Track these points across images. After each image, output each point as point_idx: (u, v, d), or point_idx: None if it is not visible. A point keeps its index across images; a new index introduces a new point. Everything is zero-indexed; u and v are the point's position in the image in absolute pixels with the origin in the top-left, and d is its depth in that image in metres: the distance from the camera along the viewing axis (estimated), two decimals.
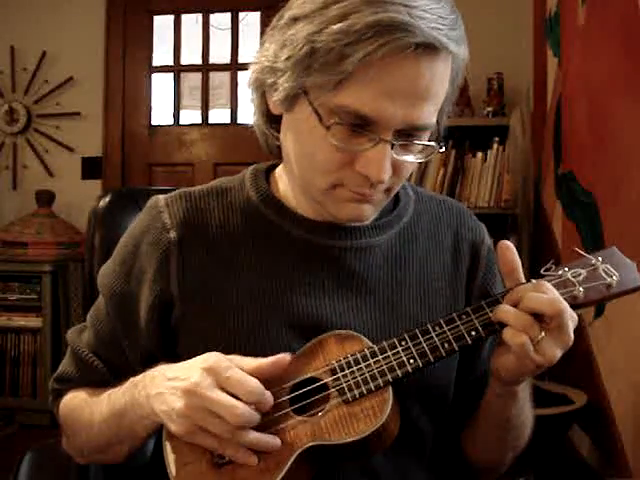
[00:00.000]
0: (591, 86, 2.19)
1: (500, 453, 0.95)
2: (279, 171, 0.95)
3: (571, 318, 0.77)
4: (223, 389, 0.76)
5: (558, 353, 0.77)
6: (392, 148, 0.78)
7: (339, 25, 0.73)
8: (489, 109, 3.01)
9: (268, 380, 0.78)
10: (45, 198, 3.40)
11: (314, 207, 0.89)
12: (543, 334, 0.76)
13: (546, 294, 0.77)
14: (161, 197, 0.93)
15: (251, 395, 0.75)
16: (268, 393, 0.77)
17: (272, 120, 0.87)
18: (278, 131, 0.87)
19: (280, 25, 0.81)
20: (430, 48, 0.74)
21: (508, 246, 0.81)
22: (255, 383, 0.76)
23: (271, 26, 0.83)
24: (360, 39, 0.72)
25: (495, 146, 2.94)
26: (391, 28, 0.72)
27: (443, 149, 0.82)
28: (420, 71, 0.75)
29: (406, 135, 0.78)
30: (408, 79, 0.75)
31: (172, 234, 0.89)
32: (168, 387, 0.79)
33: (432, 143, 0.81)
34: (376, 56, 0.72)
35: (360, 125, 0.76)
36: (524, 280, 0.81)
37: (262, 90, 0.86)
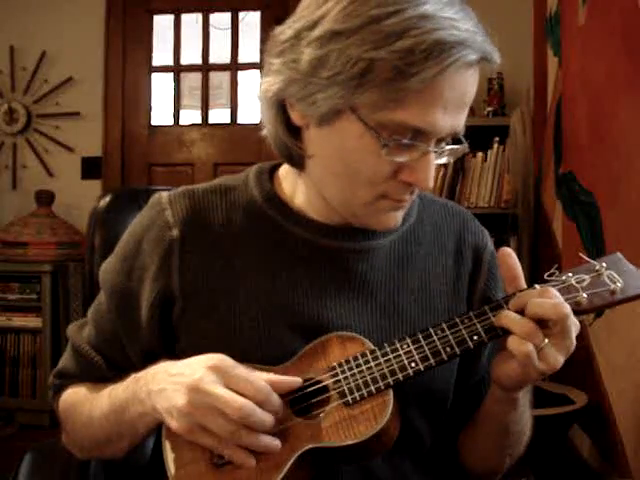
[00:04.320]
0: (591, 86, 2.19)
1: (498, 459, 0.95)
2: (283, 171, 0.94)
3: (573, 324, 0.76)
4: (229, 387, 0.75)
5: (561, 359, 0.76)
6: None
7: (401, 43, 0.72)
8: (489, 109, 3.02)
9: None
10: (45, 198, 3.39)
11: (324, 210, 0.88)
12: (547, 341, 0.75)
13: (558, 299, 0.76)
14: (164, 194, 0.92)
15: (258, 393, 0.75)
16: (276, 396, 0.77)
17: (293, 131, 0.85)
18: (298, 141, 0.85)
19: (312, 37, 0.77)
20: (484, 61, 0.76)
21: (510, 253, 0.81)
22: (262, 381, 0.76)
23: (289, 35, 0.80)
24: (428, 57, 0.72)
25: (495, 146, 2.94)
26: (455, 45, 0.72)
27: (468, 149, 0.83)
28: (470, 82, 0.77)
29: (441, 141, 0.80)
30: (460, 90, 0.76)
31: (174, 232, 0.89)
32: (171, 383, 0.79)
33: (459, 146, 0.82)
34: (444, 74, 0.73)
35: (410, 138, 0.77)
36: (525, 286, 0.80)
37: (283, 101, 0.83)
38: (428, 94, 0.74)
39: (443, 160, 0.82)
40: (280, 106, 0.84)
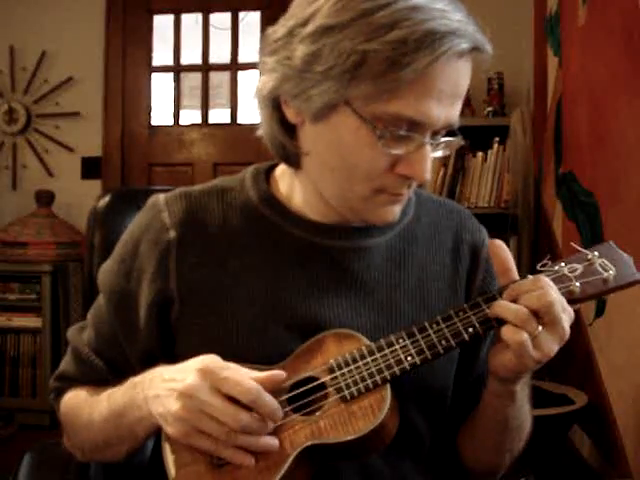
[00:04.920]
0: (592, 86, 2.19)
1: (497, 456, 0.95)
2: (280, 171, 0.94)
3: (565, 311, 0.77)
4: (219, 390, 0.75)
5: (555, 347, 0.77)
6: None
7: (393, 34, 0.72)
8: (489, 109, 3.02)
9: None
10: (45, 198, 3.39)
11: (321, 209, 0.88)
12: (540, 328, 0.76)
13: (543, 289, 0.76)
14: (161, 196, 0.93)
15: (248, 394, 0.75)
16: (268, 395, 0.76)
17: (288, 129, 0.85)
18: (294, 139, 0.85)
19: (304, 33, 0.77)
20: (476, 51, 0.76)
21: (500, 245, 0.81)
22: (251, 383, 0.76)
23: (282, 33, 0.80)
24: (419, 47, 0.72)
25: (495, 146, 2.94)
26: (446, 34, 0.73)
27: (463, 142, 0.83)
28: (462, 72, 0.77)
29: (436, 133, 0.80)
30: (453, 81, 0.77)
31: (172, 233, 0.89)
32: (164, 389, 0.79)
33: (455, 138, 0.82)
34: (436, 64, 0.73)
35: (406, 129, 0.77)
36: (518, 278, 0.81)
37: (277, 99, 0.83)
38: (421, 84, 0.74)
39: (439, 153, 0.82)
40: (275, 104, 0.84)
